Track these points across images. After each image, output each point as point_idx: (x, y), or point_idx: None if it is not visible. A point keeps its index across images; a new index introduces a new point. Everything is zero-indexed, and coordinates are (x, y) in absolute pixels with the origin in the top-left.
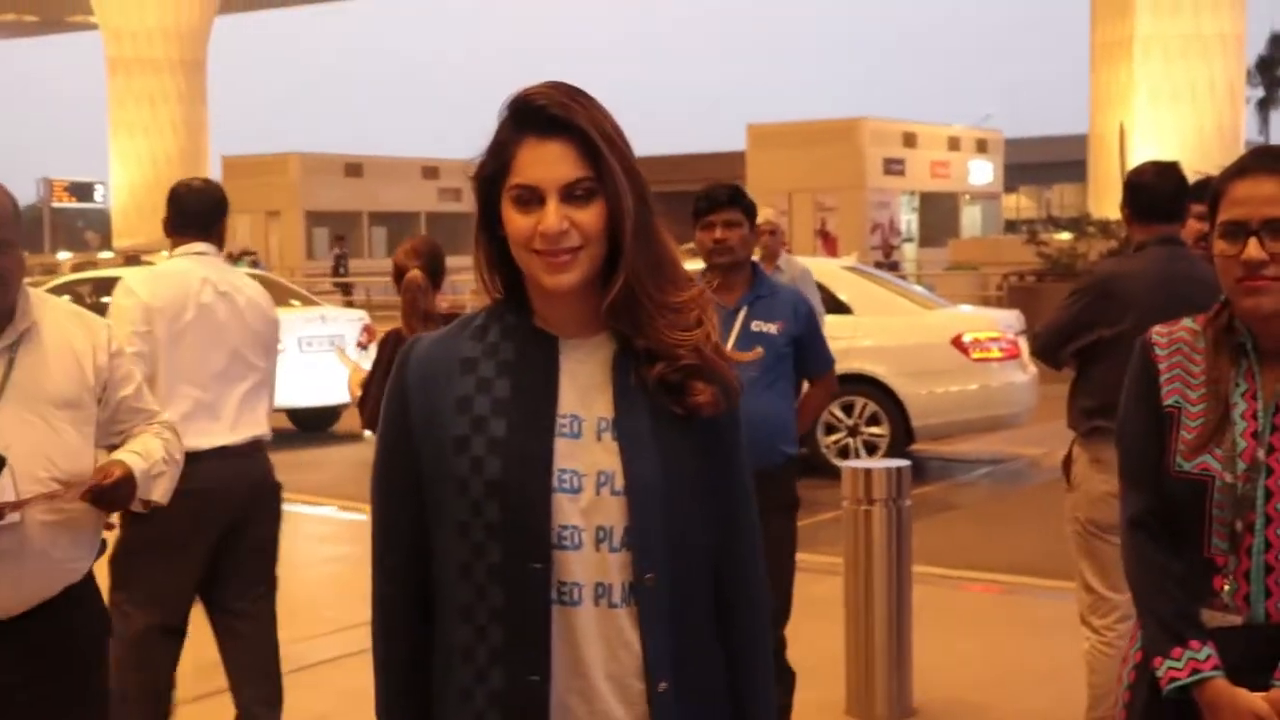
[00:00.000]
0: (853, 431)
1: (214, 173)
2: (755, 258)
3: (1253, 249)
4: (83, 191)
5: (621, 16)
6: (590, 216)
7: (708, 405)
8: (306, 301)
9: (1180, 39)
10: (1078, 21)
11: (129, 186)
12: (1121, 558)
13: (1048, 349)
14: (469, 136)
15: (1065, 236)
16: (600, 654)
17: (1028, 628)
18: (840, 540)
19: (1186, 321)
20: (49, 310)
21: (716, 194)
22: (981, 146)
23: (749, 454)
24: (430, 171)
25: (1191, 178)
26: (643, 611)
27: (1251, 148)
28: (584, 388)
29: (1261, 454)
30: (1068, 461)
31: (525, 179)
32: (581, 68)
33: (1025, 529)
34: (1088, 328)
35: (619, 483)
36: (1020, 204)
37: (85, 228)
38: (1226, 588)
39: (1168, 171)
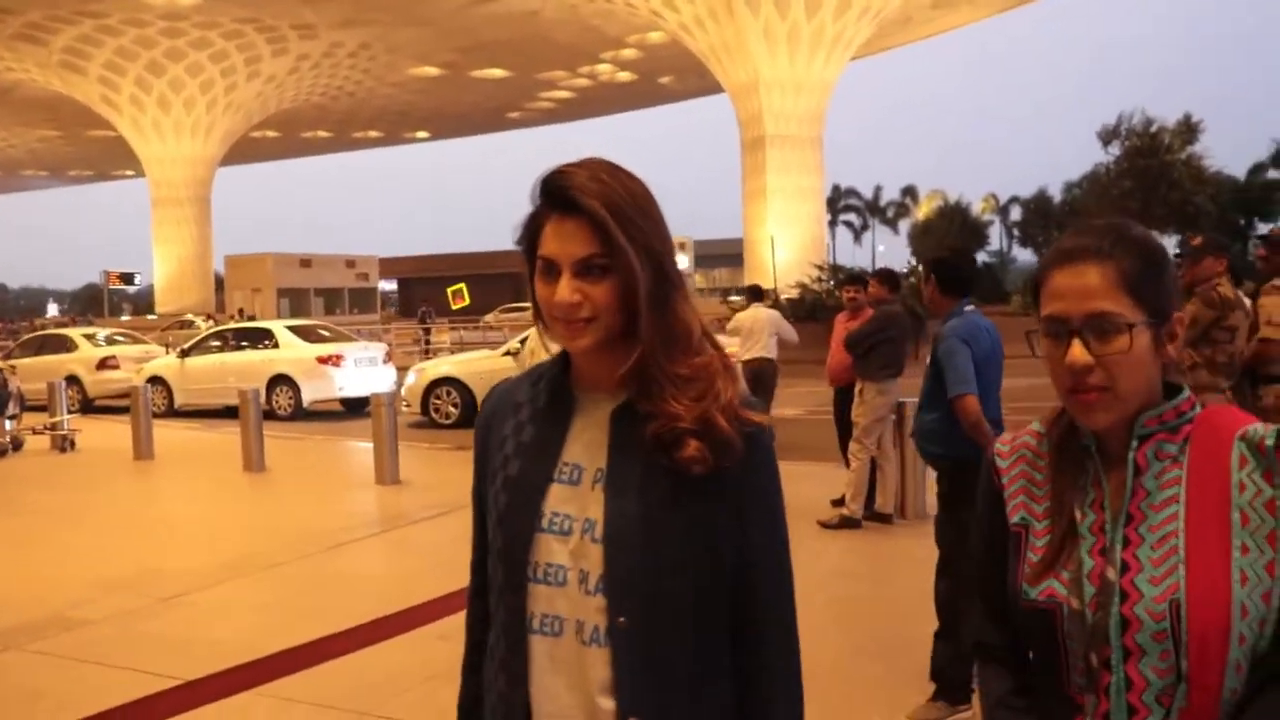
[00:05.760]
0: None
1: (218, 267)
2: None
3: (1076, 351)
4: (126, 278)
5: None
6: (602, 291)
7: (694, 462)
8: (350, 338)
9: (790, 189)
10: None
11: (165, 275)
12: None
13: (858, 345)
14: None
15: (738, 298)
16: (577, 684)
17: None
18: None
19: (1033, 425)
20: None
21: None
22: (682, 246)
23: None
24: (350, 263)
25: (801, 269)
26: (616, 653)
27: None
28: (590, 439)
29: (1112, 574)
30: (860, 394)
31: (546, 252)
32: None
33: (796, 426)
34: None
35: (599, 531)
36: (700, 280)
37: (122, 301)
38: None
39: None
